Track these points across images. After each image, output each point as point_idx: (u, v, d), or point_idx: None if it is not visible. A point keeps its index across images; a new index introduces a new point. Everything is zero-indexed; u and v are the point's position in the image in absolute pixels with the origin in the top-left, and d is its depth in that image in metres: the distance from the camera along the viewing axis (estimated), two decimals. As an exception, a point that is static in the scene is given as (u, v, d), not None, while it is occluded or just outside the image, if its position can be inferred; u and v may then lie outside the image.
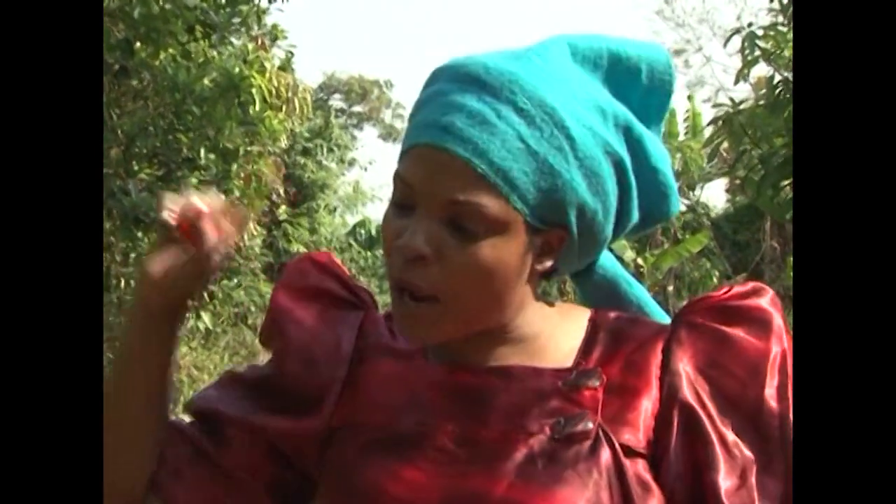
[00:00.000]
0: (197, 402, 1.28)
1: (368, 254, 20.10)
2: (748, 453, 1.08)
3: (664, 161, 1.19)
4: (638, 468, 1.09)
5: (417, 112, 1.12)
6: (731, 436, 1.09)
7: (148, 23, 5.46)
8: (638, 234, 1.30)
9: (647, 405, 1.11)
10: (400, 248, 1.09)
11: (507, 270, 1.09)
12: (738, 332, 1.12)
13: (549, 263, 1.13)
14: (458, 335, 1.13)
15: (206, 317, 6.89)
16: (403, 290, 1.10)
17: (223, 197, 1.22)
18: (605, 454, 1.07)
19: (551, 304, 1.20)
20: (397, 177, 1.11)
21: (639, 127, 1.16)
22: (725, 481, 1.06)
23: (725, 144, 6.01)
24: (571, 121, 1.08)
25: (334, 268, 1.28)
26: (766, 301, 1.13)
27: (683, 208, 14.79)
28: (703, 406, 1.10)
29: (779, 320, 1.12)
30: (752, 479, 1.06)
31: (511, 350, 1.15)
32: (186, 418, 1.34)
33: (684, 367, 1.12)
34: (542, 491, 1.06)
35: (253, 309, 12.35)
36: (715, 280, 11.31)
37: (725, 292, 1.16)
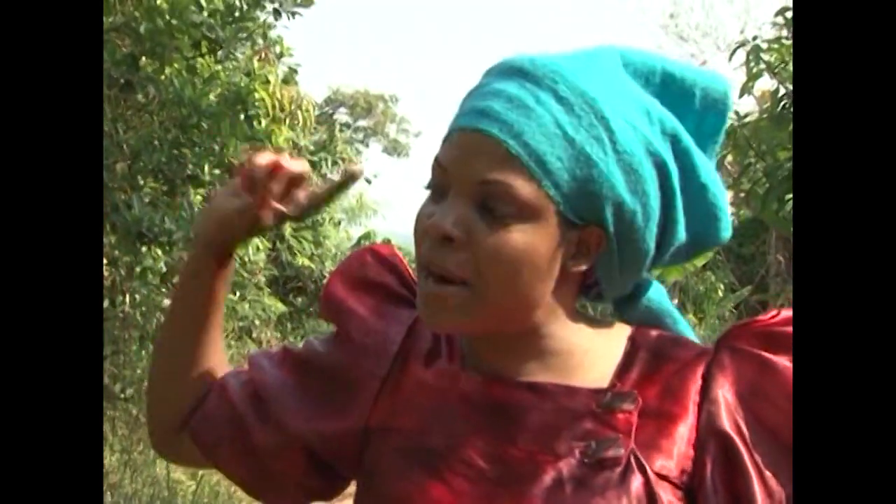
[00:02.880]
0: (253, 374, 1.29)
1: (374, 267, 20.04)
2: (785, 486, 1.05)
3: (715, 182, 1.15)
4: (671, 497, 1.06)
5: (462, 104, 1.12)
6: (768, 468, 1.06)
7: (153, 38, 5.48)
8: (686, 261, 1.24)
9: (684, 432, 1.08)
10: (428, 228, 1.08)
11: (537, 260, 1.07)
12: (782, 361, 1.09)
13: (583, 266, 1.10)
14: (484, 328, 1.10)
15: (211, 330, 6.86)
16: (430, 272, 1.08)
17: (307, 169, 1.29)
18: (637, 482, 1.05)
19: (590, 320, 1.17)
20: (434, 162, 1.11)
21: (687, 139, 1.13)
22: None
23: (730, 157, 6.00)
24: (612, 113, 1.06)
25: (394, 262, 1.27)
26: None
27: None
28: (742, 436, 1.07)
29: None
30: None
31: (546, 364, 1.13)
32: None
33: (724, 394, 1.09)
34: None
35: (257, 323, 12.33)
36: (720, 293, 11.26)
37: (772, 317, 1.12)
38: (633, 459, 1.06)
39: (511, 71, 1.10)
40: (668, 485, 1.06)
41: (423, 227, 1.10)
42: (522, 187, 1.05)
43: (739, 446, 1.07)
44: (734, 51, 5.31)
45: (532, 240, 1.06)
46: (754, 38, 5.14)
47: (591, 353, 1.15)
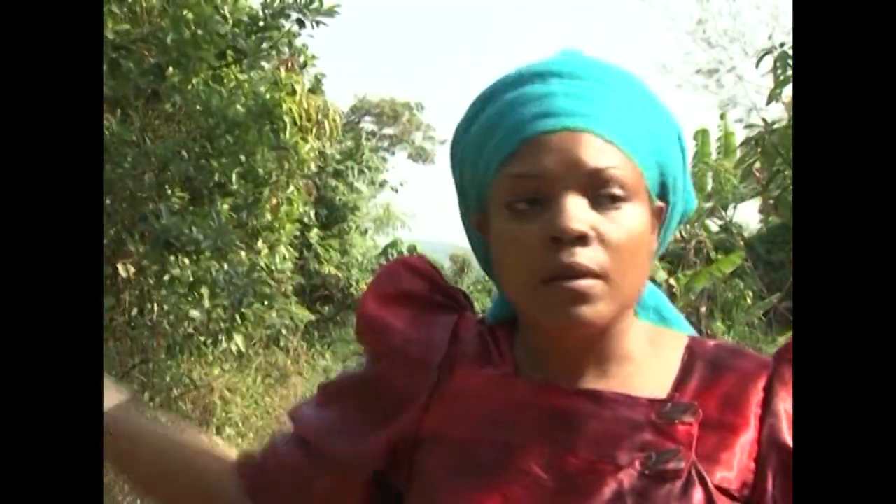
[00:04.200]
0: (298, 427, 1.27)
1: (401, 275, 20.01)
2: None
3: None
4: None
5: (501, 121, 1.10)
6: None
7: (180, 49, 5.51)
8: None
9: (745, 445, 1.07)
10: (562, 231, 1.04)
11: (646, 238, 1.09)
12: None
13: (656, 243, 1.14)
14: (611, 319, 1.09)
15: (238, 339, 6.89)
16: (559, 278, 1.05)
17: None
18: (698, 495, 1.03)
19: (646, 326, 1.17)
20: (517, 178, 1.08)
21: (684, 143, 1.18)
22: None
23: (758, 164, 5.98)
24: (655, 99, 1.12)
25: (427, 270, 1.25)
26: None
27: (716, 228, 14.69)
28: None
29: None
30: None
31: (604, 372, 1.12)
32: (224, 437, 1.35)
33: (786, 408, 1.07)
34: None
35: (284, 331, 12.34)
36: (749, 301, 11.20)
37: None
38: (694, 472, 1.04)
39: (550, 74, 1.11)
40: (727, 498, 1.05)
41: (539, 238, 1.06)
42: (626, 169, 1.07)
43: None
44: (761, 57, 5.29)
45: (642, 219, 1.08)
46: (781, 45, 5.11)
47: (650, 362, 1.14)
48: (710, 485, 1.04)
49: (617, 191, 1.06)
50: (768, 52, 5.21)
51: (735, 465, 1.06)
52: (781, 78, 5.02)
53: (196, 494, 1.30)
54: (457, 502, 1.10)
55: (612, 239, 1.05)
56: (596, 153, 1.06)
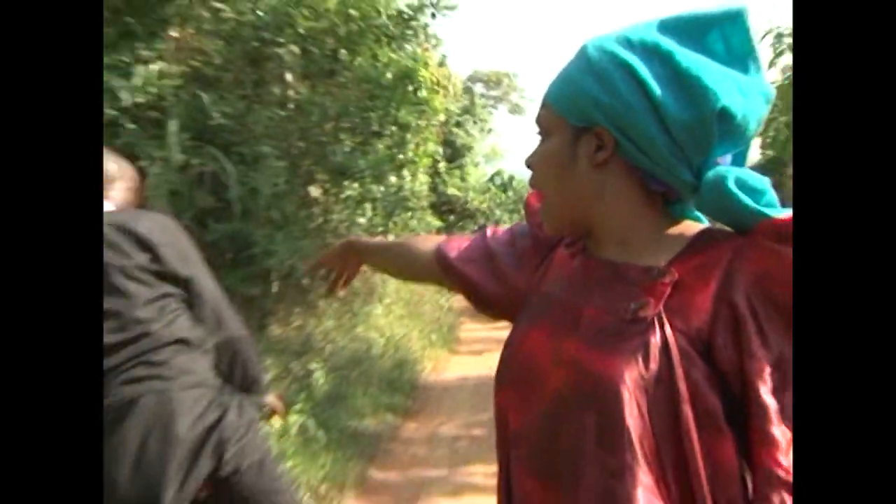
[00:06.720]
0: (478, 236, 1.41)
1: (503, 195, 20.07)
2: (780, 344, 0.96)
3: (699, 66, 1.04)
4: (686, 347, 0.99)
5: None
6: (768, 329, 0.97)
7: (349, 37, 5.54)
8: (731, 141, 1.07)
9: (705, 303, 1.00)
10: None
11: (557, 160, 1.11)
12: (788, 251, 0.97)
13: (604, 155, 1.08)
14: (561, 223, 1.15)
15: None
16: None
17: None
18: (659, 334, 1.01)
19: (667, 220, 1.12)
20: None
21: (668, 45, 1.05)
22: (763, 370, 0.96)
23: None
24: (592, 50, 1.08)
25: None
26: None
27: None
28: (750, 304, 0.98)
29: None
30: (789, 379, 0.96)
31: (623, 246, 1.12)
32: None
33: (741, 274, 0.99)
34: (607, 356, 1.02)
35: (422, 233, 12.45)
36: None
37: (787, 217, 0.99)
38: (656, 319, 1.01)
39: None
40: (686, 341, 1.00)
41: None
42: (543, 115, 1.12)
43: (745, 311, 0.98)
44: (762, 37, 5.08)
45: (550, 146, 1.11)
46: (777, 27, 4.89)
47: (664, 240, 1.09)
48: (667, 329, 1.00)
49: (540, 132, 1.13)
50: (768, 32, 5.00)
51: (693, 315, 1.00)
52: (777, 51, 4.83)
53: (413, 269, 1.46)
54: (516, 333, 1.16)
55: (532, 164, 1.14)
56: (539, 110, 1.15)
